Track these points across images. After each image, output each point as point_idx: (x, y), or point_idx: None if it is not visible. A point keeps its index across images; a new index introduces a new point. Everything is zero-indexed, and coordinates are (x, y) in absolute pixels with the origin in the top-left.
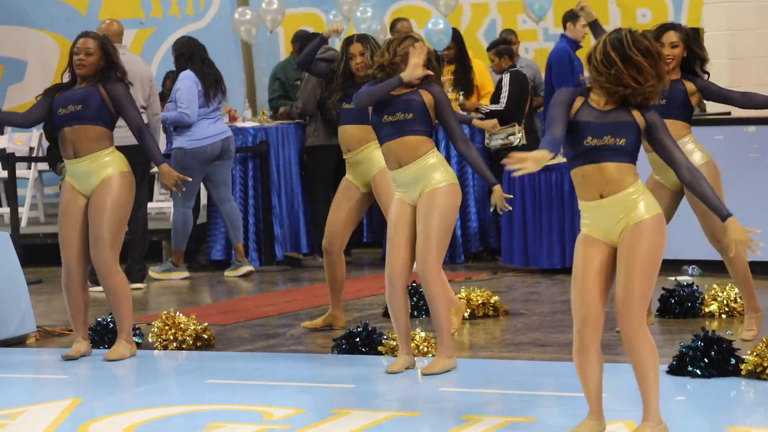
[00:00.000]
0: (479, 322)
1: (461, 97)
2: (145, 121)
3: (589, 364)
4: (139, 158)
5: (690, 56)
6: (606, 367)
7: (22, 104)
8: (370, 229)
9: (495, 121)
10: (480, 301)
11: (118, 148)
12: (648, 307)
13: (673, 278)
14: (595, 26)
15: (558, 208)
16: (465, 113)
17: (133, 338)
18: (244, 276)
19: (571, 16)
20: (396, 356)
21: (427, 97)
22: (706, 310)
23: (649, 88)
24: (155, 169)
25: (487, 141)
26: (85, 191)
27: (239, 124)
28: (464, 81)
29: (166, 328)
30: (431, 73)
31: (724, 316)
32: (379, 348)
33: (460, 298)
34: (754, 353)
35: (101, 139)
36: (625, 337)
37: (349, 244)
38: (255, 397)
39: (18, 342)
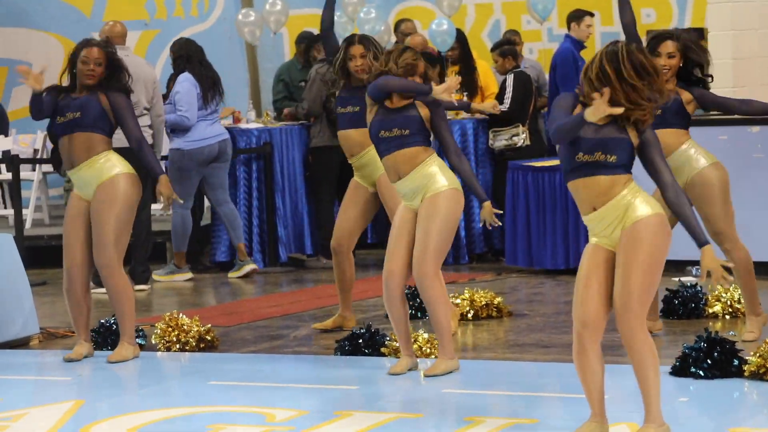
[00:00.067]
0: (483, 323)
1: (465, 98)
2: (149, 122)
3: (589, 367)
4: None
5: (687, 64)
6: (608, 368)
7: (26, 106)
8: (375, 230)
9: (495, 102)
10: (483, 302)
11: (125, 149)
12: (656, 312)
13: (676, 279)
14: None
15: (562, 208)
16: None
17: (136, 340)
18: (248, 275)
19: (575, 16)
20: (399, 358)
21: (423, 110)
22: (710, 311)
23: (639, 111)
24: None
25: (491, 141)
26: (87, 197)
27: (243, 125)
28: (468, 82)
29: (169, 329)
30: (454, 102)
31: (727, 317)
32: (382, 349)
33: (463, 299)
34: (757, 354)
35: (96, 145)
36: (625, 339)
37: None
38: (258, 399)
39: (21, 344)
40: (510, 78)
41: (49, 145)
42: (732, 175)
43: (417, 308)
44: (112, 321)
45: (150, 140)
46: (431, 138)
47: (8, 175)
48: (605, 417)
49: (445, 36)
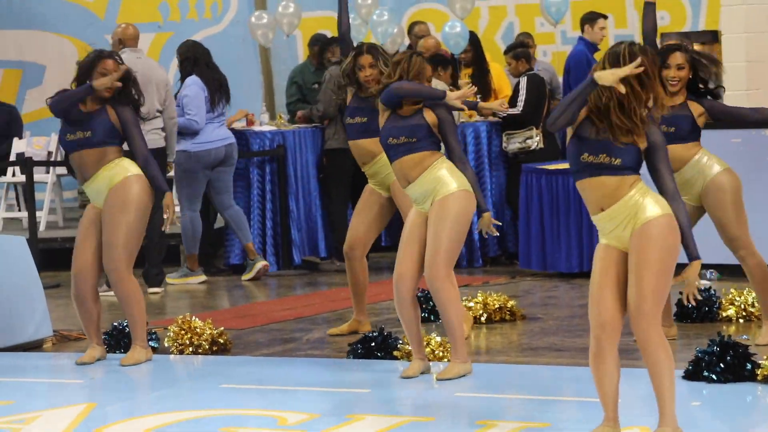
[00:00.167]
0: (496, 327)
1: (479, 101)
2: (161, 125)
3: (605, 370)
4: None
5: (697, 76)
6: (622, 372)
7: (40, 108)
8: (389, 233)
9: (502, 100)
10: (497, 306)
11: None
12: (670, 317)
13: None
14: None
15: (576, 211)
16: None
17: (149, 343)
18: (261, 273)
19: (589, 19)
20: (411, 361)
21: (430, 117)
22: (724, 314)
23: (629, 126)
24: (171, 173)
25: (504, 145)
26: (101, 205)
27: (256, 127)
28: (482, 84)
29: (182, 332)
30: (463, 108)
31: (741, 320)
32: (395, 353)
33: (477, 303)
34: None
35: (108, 154)
36: (640, 341)
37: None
38: (269, 402)
39: (34, 346)
40: (523, 81)
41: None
42: (745, 178)
43: (430, 311)
44: (125, 324)
45: (162, 143)
46: (440, 143)
47: (22, 178)
48: (618, 421)
49: (458, 38)
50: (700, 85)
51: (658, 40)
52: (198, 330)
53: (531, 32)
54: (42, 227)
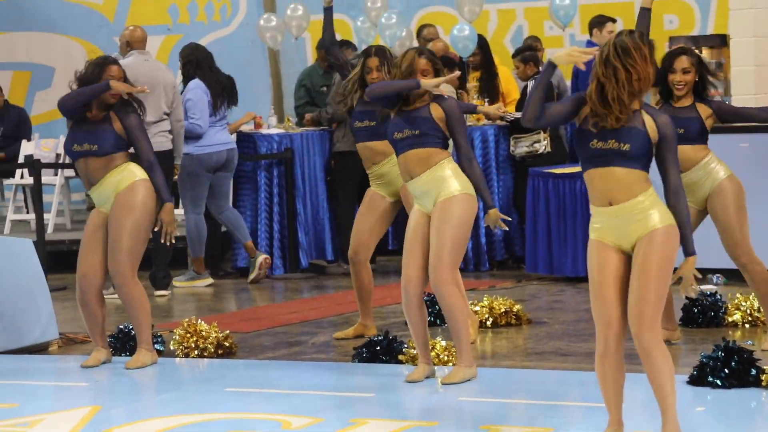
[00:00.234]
0: (502, 331)
1: (486, 104)
2: (168, 127)
3: (611, 371)
4: (164, 165)
5: (702, 80)
6: (627, 377)
7: (50, 110)
8: (396, 236)
9: (499, 104)
10: (503, 310)
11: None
12: (673, 321)
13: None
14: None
15: (582, 215)
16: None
17: (155, 346)
18: (263, 267)
19: (597, 23)
20: (416, 365)
21: (437, 112)
22: (730, 319)
23: (606, 111)
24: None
25: (512, 148)
26: (108, 210)
27: (264, 130)
28: (490, 88)
29: (188, 335)
30: (444, 93)
31: (747, 325)
32: (400, 357)
33: (483, 307)
34: None
35: (114, 161)
36: (640, 348)
37: (375, 252)
38: (274, 406)
39: (40, 349)
40: (531, 84)
41: None
42: (753, 182)
43: (436, 315)
44: (131, 327)
45: (169, 145)
46: (449, 141)
47: (30, 180)
48: (622, 424)
49: (466, 41)
50: (706, 88)
51: (666, 44)
52: (203, 333)
53: (540, 36)
54: (50, 229)
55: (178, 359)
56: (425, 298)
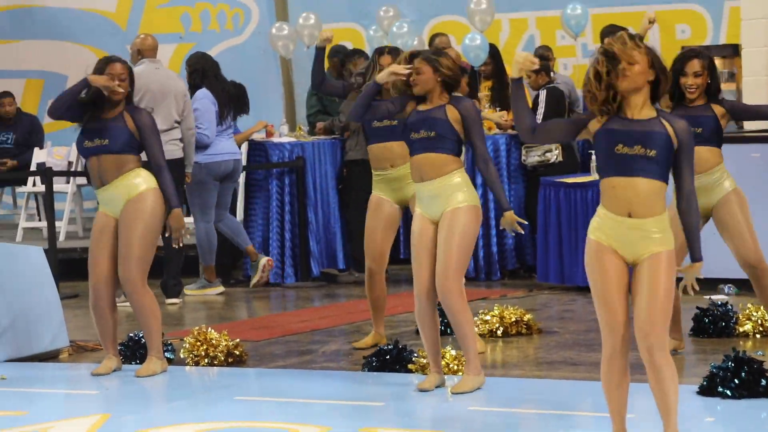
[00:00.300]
0: (512, 340)
1: (497, 113)
2: (179, 135)
3: (616, 375)
4: (174, 173)
5: (714, 81)
6: (632, 387)
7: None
8: (407, 245)
9: (502, 113)
10: (513, 319)
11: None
12: (679, 332)
13: (707, 297)
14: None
15: None
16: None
17: (165, 354)
18: (266, 269)
19: (609, 32)
20: (427, 374)
21: (452, 113)
22: (741, 329)
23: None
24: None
25: (524, 158)
26: (115, 214)
27: (276, 139)
28: (501, 97)
29: (198, 344)
30: (401, 75)
31: (758, 335)
32: (410, 366)
33: (493, 316)
34: None
35: (127, 163)
36: (649, 360)
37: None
38: (282, 415)
39: (51, 357)
40: (543, 94)
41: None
42: (764, 192)
43: (447, 325)
44: (141, 335)
45: (180, 153)
46: (463, 146)
47: (42, 188)
48: None
49: (477, 51)
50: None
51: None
52: (214, 341)
53: (552, 45)
54: (62, 237)
55: (188, 367)
56: (438, 307)
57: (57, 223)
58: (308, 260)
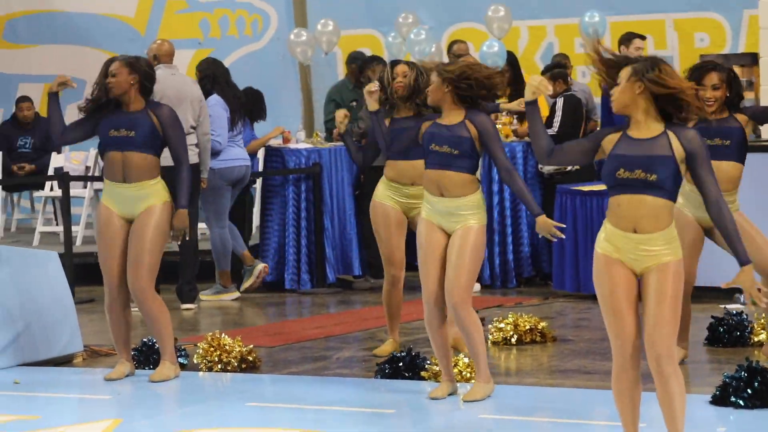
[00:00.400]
0: (526, 348)
1: (515, 121)
2: (195, 141)
3: (627, 388)
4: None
5: (732, 95)
6: (645, 396)
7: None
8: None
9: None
10: (527, 327)
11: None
12: (685, 341)
13: (722, 306)
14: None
15: None
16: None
17: (179, 359)
18: (261, 275)
19: (625, 39)
20: (439, 381)
21: (472, 130)
22: (755, 339)
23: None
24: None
25: (540, 166)
26: (124, 215)
27: (292, 145)
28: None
29: (212, 349)
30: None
31: None
32: (422, 373)
33: (508, 324)
34: None
35: (151, 168)
36: (658, 372)
37: None
38: (293, 421)
39: (65, 361)
40: (560, 102)
41: (101, 163)
42: None
43: None
44: (155, 340)
45: (195, 159)
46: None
47: (59, 192)
48: None
49: (495, 58)
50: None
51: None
52: (227, 347)
53: (570, 53)
54: (78, 242)
55: (201, 373)
56: None
57: (74, 228)
58: (324, 266)
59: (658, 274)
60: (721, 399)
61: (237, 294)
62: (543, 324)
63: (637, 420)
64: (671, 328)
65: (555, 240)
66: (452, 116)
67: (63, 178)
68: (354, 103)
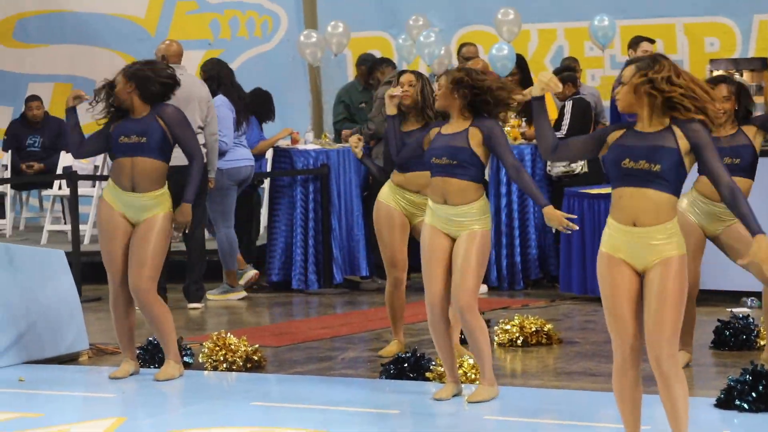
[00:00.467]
0: (532, 350)
1: (524, 124)
2: (203, 141)
3: (628, 389)
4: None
5: (740, 107)
6: (648, 398)
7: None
8: None
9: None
10: (533, 329)
11: (185, 166)
12: (689, 345)
13: (729, 310)
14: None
15: None
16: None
17: (184, 358)
18: (251, 281)
19: (633, 43)
20: (444, 382)
21: (475, 137)
22: (761, 342)
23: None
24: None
25: (549, 168)
26: (128, 216)
27: (301, 146)
28: (528, 108)
29: (217, 348)
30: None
31: None
32: (427, 374)
33: (513, 326)
34: None
35: (159, 176)
36: (659, 373)
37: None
38: (298, 421)
39: (71, 359)
40: (569, 105)
41: (110, 163)
42: None
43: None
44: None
45: (203, 159)
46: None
47: (68, 191)
48: None
49: (505, 61)
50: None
51: (707, 66)
52: (232, 347)
53: (580, 56)
54: (86, 240)
55: (206, 372)
56: None
57: (82, 227)
58: (331, 267)
59: (661, 272)
60: (725, 402)
61: (244, 294)
62: (549, 326)
63: (639, 421)
64: (672, 329)
65: (568, 232)
66: (458, 123)
67: (71, 177)
68: (363, 105)
